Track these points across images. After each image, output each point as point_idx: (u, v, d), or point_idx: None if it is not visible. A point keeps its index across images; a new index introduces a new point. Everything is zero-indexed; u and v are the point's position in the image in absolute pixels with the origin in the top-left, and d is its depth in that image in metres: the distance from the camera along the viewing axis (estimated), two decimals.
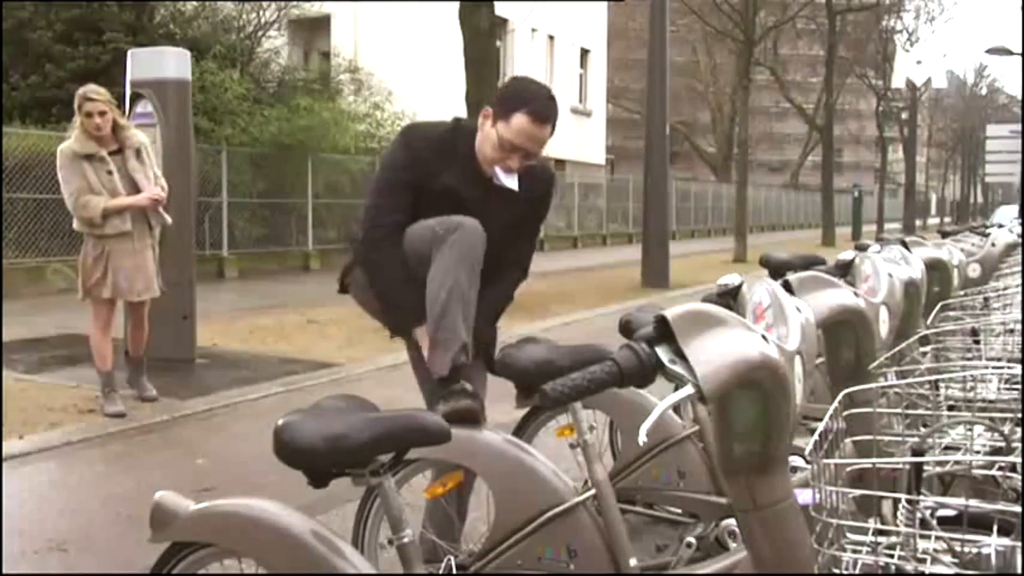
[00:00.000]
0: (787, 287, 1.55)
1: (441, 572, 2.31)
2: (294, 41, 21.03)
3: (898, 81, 32.28)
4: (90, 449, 5.02)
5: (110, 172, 5.48)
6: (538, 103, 2.68)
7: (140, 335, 5.90)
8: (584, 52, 29.76)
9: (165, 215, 5.76)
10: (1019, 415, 1.79)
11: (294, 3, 18.47)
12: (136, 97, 6.95)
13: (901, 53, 31.81)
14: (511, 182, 2.77)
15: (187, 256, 7.27)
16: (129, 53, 7.28)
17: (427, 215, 2.66)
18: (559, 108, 2.75)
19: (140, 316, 5.85)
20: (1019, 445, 1.66)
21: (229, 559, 1.96)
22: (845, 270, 2.49)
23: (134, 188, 5.56)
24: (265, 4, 17.90)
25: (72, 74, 14.39)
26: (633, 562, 2.29)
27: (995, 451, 1.64)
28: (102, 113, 5.41)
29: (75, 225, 5.62)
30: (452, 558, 2.34)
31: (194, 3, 16.82)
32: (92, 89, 5.49)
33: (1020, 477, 1.52)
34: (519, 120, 2.66)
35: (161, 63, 7.10)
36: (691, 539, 2.86)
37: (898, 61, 31.69)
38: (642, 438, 1.25)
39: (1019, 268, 4.11)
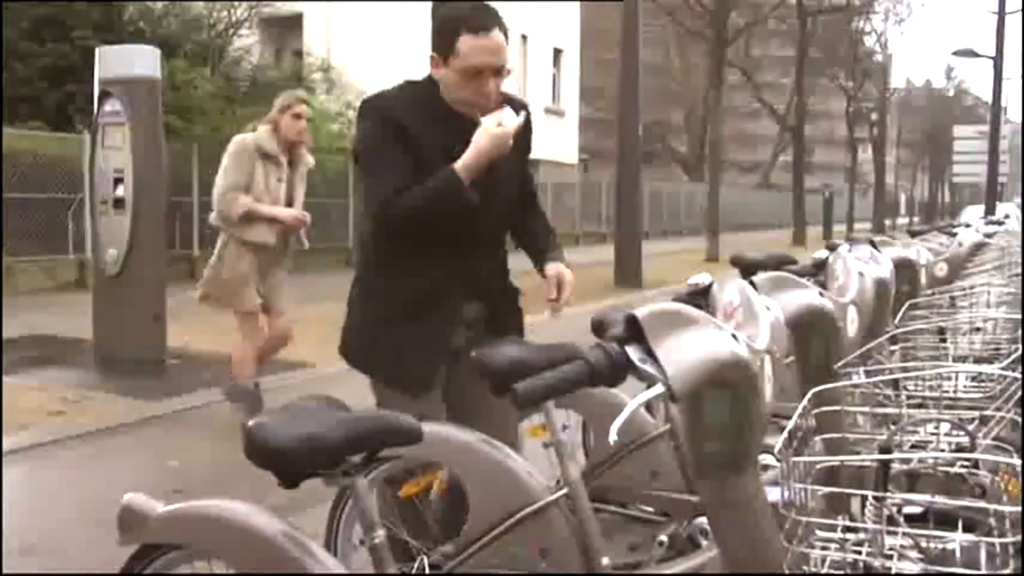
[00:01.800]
0: (754, 287, 1.57)
1: (414, 572, 2.30)
2: (266, 40, 20.92)
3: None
4: (60, 451, 4.97)
5: (280, 180, 5.28)
6: (471, 16, 2.50)
7: (269, 353, 5.69)
8: (557, 52, 29.79)
9: (305, 238, 5.64)
10: (984, 412, 1.82)
11: (265, 2, 18.36)
12: (105, 95, 6.88)
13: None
14: (510, 119, 2.57)
15: (158, 256, 7.21)
16: (98, 51, 7.20)
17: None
18: (496, 13, 2.57)
19: (283, 333, 5.66)
20: (984, 442, 1.69)
21: (199, 560, 1.94)
22: (820, 268, 2.52)
23: (289, 204, 5.40)
24: (236, 3, 17.79)
25: (39, 72, 14.23)
26: (605, 561, 2.30)
27: (960, 448, 1.67)
28: (310, 120, 5.41)
29: (212, 219, 5.36)
30: (425, 557, 2.33)
31: (164, 1, 16.68)
32: (304, 95, 5.54)
33: (986, 474, 1.54)
34: (463, 43, 2.47)
35: (130, 61, 7.03)
36: (663, 538, 2.87)
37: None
38: (612, 437, 1.26)
39: (985, 268, 4.16)
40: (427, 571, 2.28)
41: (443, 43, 2.52)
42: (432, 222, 2.53)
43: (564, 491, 2.36)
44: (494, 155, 2.52)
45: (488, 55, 2.50)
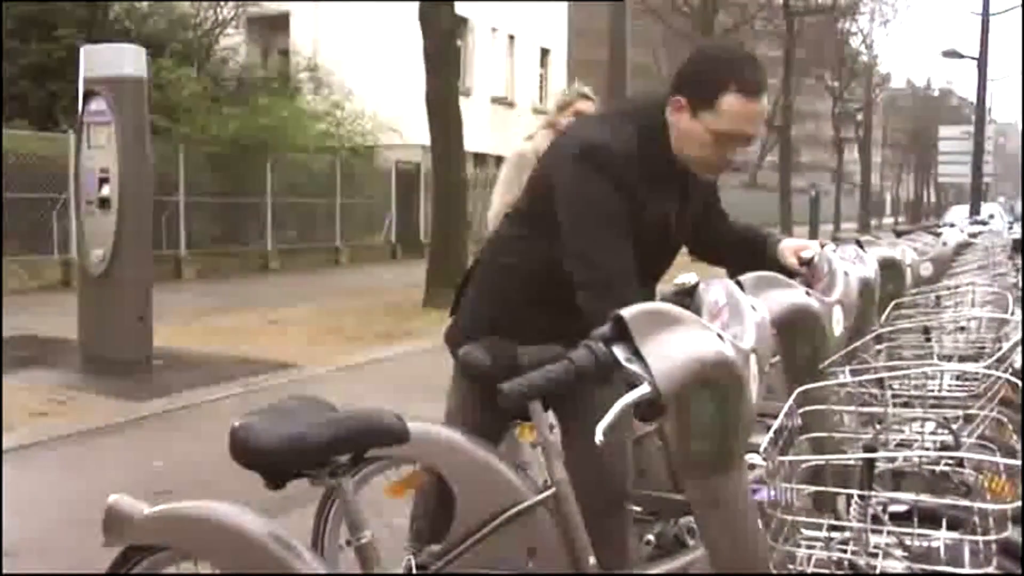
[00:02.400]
0: (739, 287, 1.57)
1: (401, 572, 2.30)
2: (252, 39, 20.86)
3: None
4: (44, 452, 4.94)
5: None
6: (746, 72, 2.13)
7: None
8: (544, 52, 29.79)
9: None
10: (969, 411, 1.83)
11: (252, 1, 18.31)
12: (90, 94, 6.84)
13: None
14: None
15: (144, 256, 7.17)
16: (82, 50, 7.17)
17: (636, 249, 2.21)
18: (765, 73, 2.25)
19: None
20: (968, 441, 1.70)
21: (185, 562, 1.94)
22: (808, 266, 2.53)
23: None
24: (222, 2, 17.72)
25: (24, 71, 14.14)
26: (592, 560, 2.30)
27: (945, 447, 1.67)
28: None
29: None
30: (412, 557, 2.33)
31: (149, 0, 16.61)
32: (590, 89, 4.40)
33: (970, 472, 1.55)
34: (729, 101, 2.11)
35: (116, 60, 6.99)
36: (650, 537, 2.87)
37: None
38: (599, 437, 1.26)
39: (970, 267, 4.19)
40: (414, 571, 2.28)
41: (702, 92, 2.15)
42: None
43: (551, 491, 2.36)
44: None
45: (751, 124, 2.17)
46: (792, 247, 2.52)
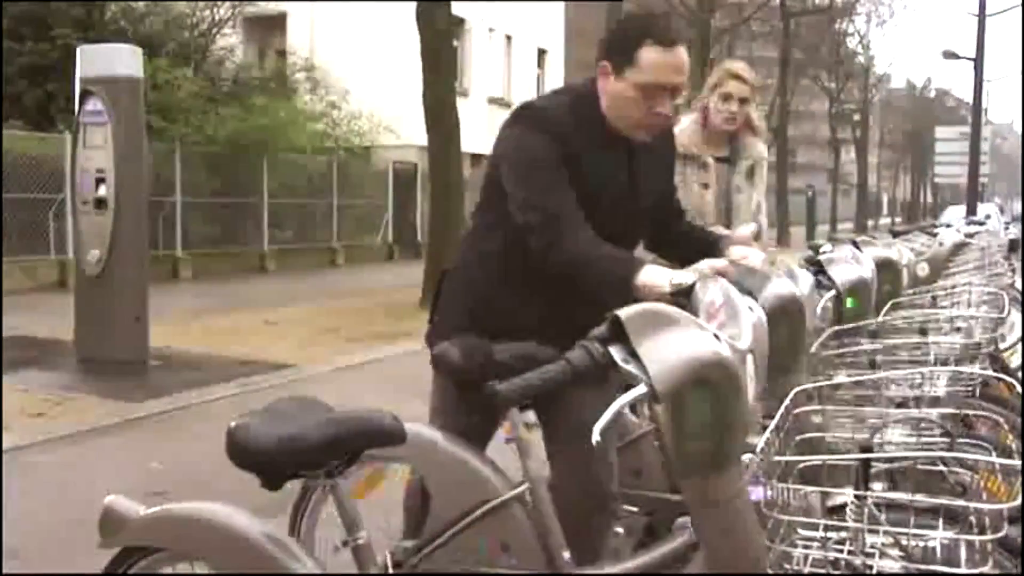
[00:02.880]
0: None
1: (378, 571, 2.29)
2: (249, 39, 20.84)
3: None
4: (40, 454, 4.93)
5: (705, 186, 3.75)
6: (660, 25, 2.27)
7: None
8: (541, 52, 29.79)
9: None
10: (964, 412, 1.83)
11: (248, 1, 18.28)
12: (86, 95, 6.83)
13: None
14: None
15: (140, 256, 7.16)
16: (79, 50, 7.16)
17: (593, 220, 2.27)
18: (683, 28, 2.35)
19: None
20: (964, 441, 1.70)
21: (181, 563, 1.93)
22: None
23: (724, 217, 3.77)
24: (219, 2, 17.70)
25: (19, 71, 14.12)
26: (567, 555, 2.30)
27: (941, 447, 1.68)
28: (743, 101, 3.71)
29: None
30: (389, 554, 2.33)
31: (146, 0, 16.58)
32: (743, 67, 3.80)
33: (966, 472, 1.55)
34: (647, 54, 2.23)
35: (112, 60, 6.99)
36: (619, 529, 2.85)
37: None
38: (596, 437, 1.26)
39: (966, 267, 4.20)
40: (390, 569, 2.27)
41: (621, 51, 2.27)
42: (582, 278, 2.29)
43: (524, 487, 2.35)
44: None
45: (673, 72, 2.26)
46: (737, 256, 2.43)
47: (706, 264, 2.13)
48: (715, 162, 3.76)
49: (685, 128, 3.75)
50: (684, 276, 2.03)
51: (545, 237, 2.26)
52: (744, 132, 3.79)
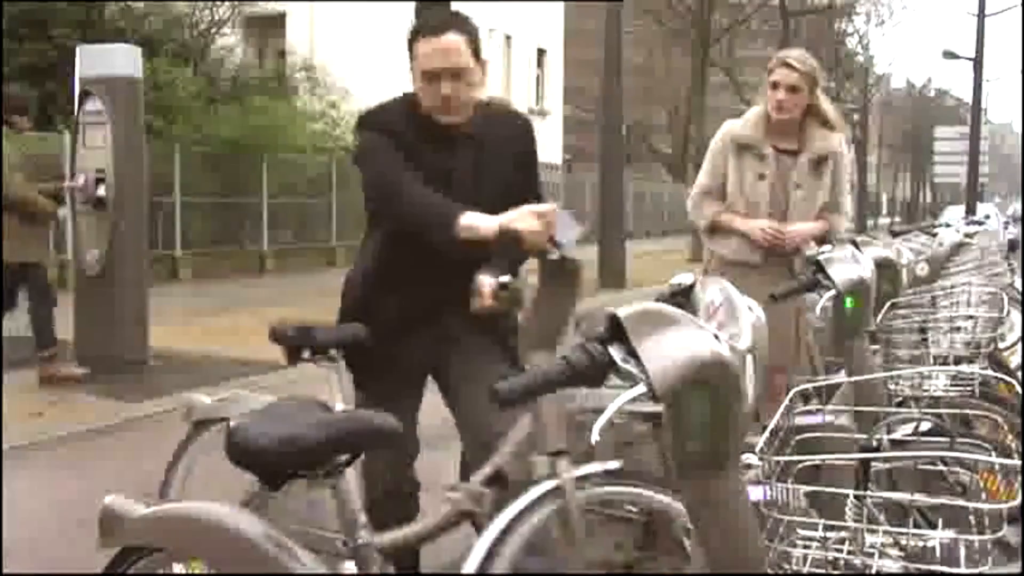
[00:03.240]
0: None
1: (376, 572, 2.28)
2: (248, 39, 20.82)
3: None
4: (39, 453, 4.93)
5: (761, 176, 3.67)
6: (428, 20, 2.55)
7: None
8: (541, 52, 29.80)
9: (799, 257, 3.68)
10: (964, 411, 1.83)
11: (248, 1, 18.28)
12: (85, 94, 6.83)
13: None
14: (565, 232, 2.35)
15: (140, 256, 7.16)
16: (78, 50, 7.16)
17: None
18: (461, 17, 2.55)
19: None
20: (964, 441, 1.70)
21: (180, 562, 1.93)
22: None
23: (782, 212, 3.68)
24: (218, 2, 17.70)
25: (18, 70, 14.11)
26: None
27: (941, 447, 1.68)
28: (792, 89, 3.56)
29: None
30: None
31: (145, 0, 16.58)
32: (797, 54, 3.67)
33: (966, 472, 1.55)
34: (420, 45, 2.49)
35: (111, 60, 6.98)
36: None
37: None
38: (595, 437, 1.26)
39: (966, 267, 4.20)
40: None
41: (409, 49, 2.54)
42: (413, 227, 2.49)
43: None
44: (511, 246, 2.26)
45: (440, 58, 2.46)
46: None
47: (526, 208, 2.27)
48: (777, 153, 3.65)
49: (749, 118, 3.71)
50: (683, 276, 2.03)
51: (384, 207, 2.55)
52: (810, 124, 3.65)
